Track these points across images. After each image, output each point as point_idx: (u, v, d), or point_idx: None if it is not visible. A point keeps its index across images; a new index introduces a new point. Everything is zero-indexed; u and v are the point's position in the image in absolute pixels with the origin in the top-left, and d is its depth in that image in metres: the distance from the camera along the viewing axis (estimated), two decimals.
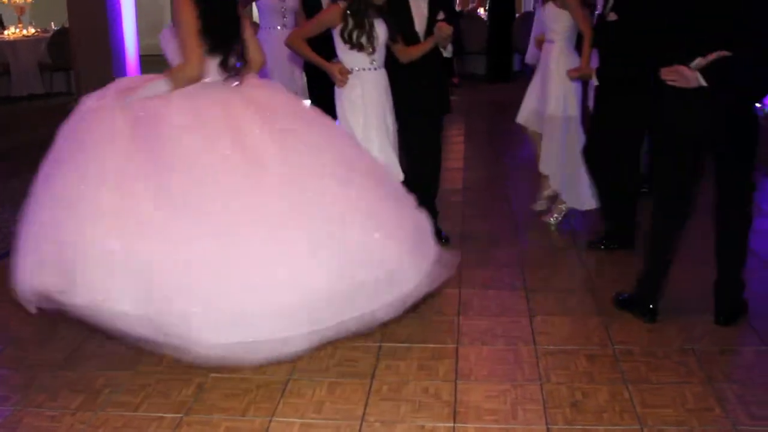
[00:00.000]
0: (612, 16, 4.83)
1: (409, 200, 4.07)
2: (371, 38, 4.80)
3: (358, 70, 4.86)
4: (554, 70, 5.64)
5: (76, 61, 9.45)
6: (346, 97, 4.89)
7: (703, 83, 3.81)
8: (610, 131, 5.15)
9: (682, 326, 4.23)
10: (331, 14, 4.86)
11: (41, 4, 13.48)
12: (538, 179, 6.15)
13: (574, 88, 5.66)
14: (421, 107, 5.24)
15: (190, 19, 3.69)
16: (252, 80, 4.03)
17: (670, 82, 3.94)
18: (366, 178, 3.88)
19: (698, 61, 3.82)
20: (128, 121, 3.66)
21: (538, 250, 5.40)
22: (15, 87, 12.10)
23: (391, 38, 4.94)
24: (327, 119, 4.13)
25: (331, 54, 4.93)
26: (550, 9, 5.63)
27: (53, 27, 12.36)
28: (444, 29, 5.04)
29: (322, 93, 6.11)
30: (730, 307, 4.27)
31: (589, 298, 4.63)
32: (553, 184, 5.86)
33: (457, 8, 13.44)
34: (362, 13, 4.76)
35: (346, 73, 4.84)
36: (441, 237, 5.33)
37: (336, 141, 3.99)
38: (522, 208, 6.07)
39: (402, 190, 4.13)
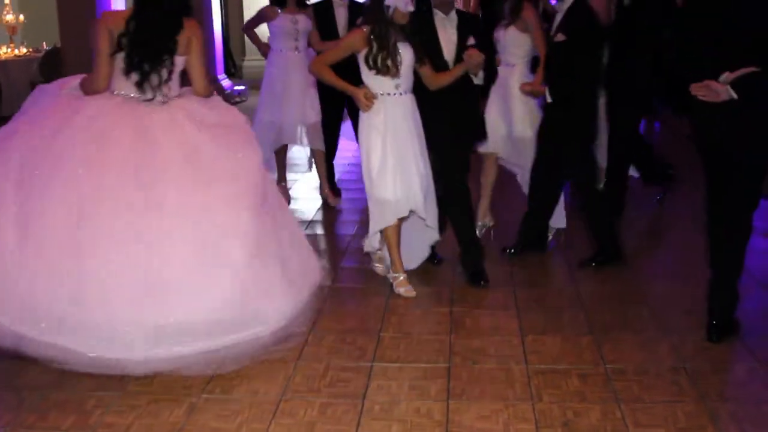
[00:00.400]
0: (559, 37, 4.88)
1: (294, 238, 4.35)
2: (395, 62, 4.75)
3: (383, 95, 4.80)
4: (517, 92, 5.69)
5: None
6: (368, 121, 4.86)
7: (734, 96, 3.90)
8: (555, 147, 5.32)
9: (673, 344, 4.23)
10: (354, 38, 4.84)
11: (33, 24, 13.48)
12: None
13: (536, 105, 5.72)
14: (451, 133, 5.07)
15: (99, 43, 4.14)
16: (182, 101, 4.18)
17: (700, 97, 4.01)
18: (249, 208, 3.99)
19: (726, 76, 3.91)
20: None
21: (530, 269, 5.40)
22: (6, 106, 12.03)
23: (418, 61, 4.85)
24: (237, 152, 4.13)
25: (356, 80, 4.89)
26: (513, 33, 5.71)
27: (45, 47, 12.36)
28: (474, 56, 4.82)
29: (333, 115, 6.08)
30: (722, 321, 4.28)
31: (580, 316, 4.63)
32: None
33: None
34: (386, 36, 4.72)
35: (371, 97, 4.79)
36: (435, 258, 5.37)
37: (240, 173, 4.06)
38: (514, 227, 6.05)
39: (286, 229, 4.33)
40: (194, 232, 3.83)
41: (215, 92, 4.40)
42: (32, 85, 12.07)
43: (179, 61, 4.14)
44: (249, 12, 17.10)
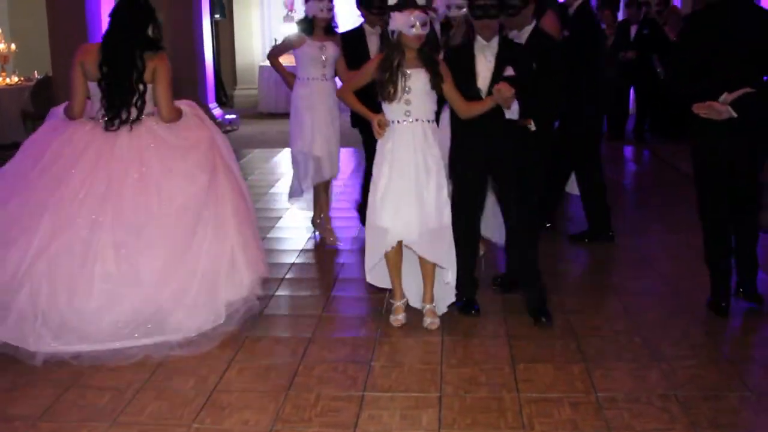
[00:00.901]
0: (509, 71, 4.73)
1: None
2: (397, 88, 4.66)
3: (393, 122, 4.75)
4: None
5: None
6: (380, 148, 4.83)
7: (734, 114, 4.52)
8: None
9: (664, 372, 4.23)
10: (371, 65, 4.83)
11: (25, 53, 13.51)
12: None
13: None
14: (475, 168, 4.93)
15: (72, 76, 4.76)
16: (148, 124, 4.76)
17: (703, 115, 4.63)
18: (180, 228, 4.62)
19: (725, 97, 4.54)
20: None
21: (520, 297, 5.40)
22: None
23: (433, 87, 4.70)
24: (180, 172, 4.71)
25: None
26: None
27: (36, 76, 12.38)
28: (502, 91, 4.55)
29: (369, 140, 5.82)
30: (752, 288, 5.04)
31: (572, 344, 4.63)
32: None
33: None
34: (393, 63, 4.67)
35: (384, 125, 4.74)
36: (473, 309, 5.09)
37: (182, 194, 4.66)
38: (504, 256, 6.07)
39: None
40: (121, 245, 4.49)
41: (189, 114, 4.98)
42: (23, 114, 12.13)
43: (146, 87, 4.72)
44: (240, 41, 17.21)
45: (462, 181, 4.96)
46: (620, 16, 13.08)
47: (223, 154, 5.00)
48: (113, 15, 4.79)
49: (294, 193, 6.84)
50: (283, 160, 10.87)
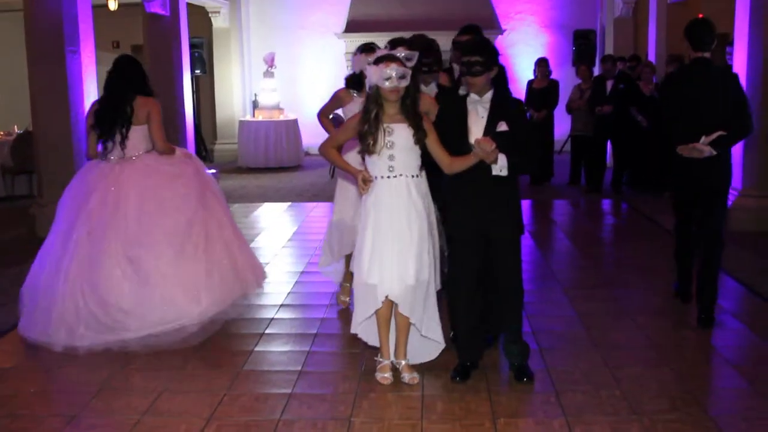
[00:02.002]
0: (502, 126, 4.71)
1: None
2: (376, 142, 4.68)
3: (376, 177, 4.74)
4: None
5: (40, 164, 9.45)
6: (363, 202, 4.84)
7: (714, 153, 5.64)
8: None
9: (645, 427, 4.23)
10: (355, 120, 4.84)
11: (4, 108, 13.54)
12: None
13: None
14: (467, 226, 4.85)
15: (87, 121, 6.02)
16: (148, 159, 5.90)
17: (686, 155, 5.73)
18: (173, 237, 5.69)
19: (704, 139, 5.64)
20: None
21: (500, 352, 5.40)
22: None
23: (417, 143, 4.69)
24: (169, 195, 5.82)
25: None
26: None
27: (16, 130, 12.39)
28: (482, 144, 4.50)
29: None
30: (710, 313, 5.84)
31: (552, 398, 4.62)
32: None
33: None
34: (371, 116, 4.69)
35: (369, 181, 4.72)
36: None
37: (177, 210, 5.79)
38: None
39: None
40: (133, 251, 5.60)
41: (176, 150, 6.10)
42: (2, 169, 12.12)
43: (138, 129, 5.83)
44: (220, 96, 17.32)
45: (457, 240, 4.91)
46: (596, 71, 13.33)
47: (207, 181, 6.19)
48: (114, 65, 5.96)
49: (326, 261, 6.42)
50: (262, 214, 10.88)
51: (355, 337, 5.06)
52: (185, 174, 5.96)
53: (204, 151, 16.51)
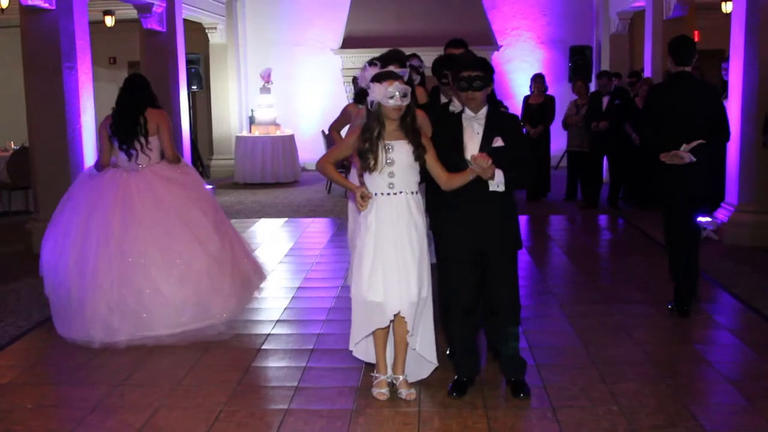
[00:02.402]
0: (497, 142, 4.70)
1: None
2: (377, 159, 4.66)
3: (376, 194, 4.73)
4: None
5: (36, 179, 9.45)
6: (362, 219, 4.81)
7: (694, 159, 6.11)
8: None
9: None
10: (354, 136, 4.84)
11: (1, 123, 13.55)
12: None
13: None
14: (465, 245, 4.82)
15: (100, 137, 6.55)
16: (155, 167, 6.40)
17: (668, 162, 6.18)
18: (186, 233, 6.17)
19: (684, 147, 6.11)
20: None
21: (497, 368, 5.38)
22: None
23: (416, 159, 4.69)
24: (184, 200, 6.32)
25: None
26: None
27: (13, 146, 12.39)
28: (479, 161, 4.51)
29: None
30: (690, 297, 6.47)
31: (549, 414, 4.61)
32: None
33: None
34: (374, 133, 4.68)
35: (367, 198, 4.69)
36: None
37: (193, 212, 6.29)
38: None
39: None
40: (161, 250, 6.06)
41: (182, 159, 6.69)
42: None
43: (151, 140, 6.35)
44: (216, 112, 17.33)
45: (453, 258, 4.85)
46: (592, 87, 13.36)
47: (204, 188, 6.72)
48: (126, 82, 6.53)
49: None
50: (259, 230, 10.88)
51: (351, 352, 5.05)
52: (197, 182, 6.61)
53: (201, 167, 16.51)
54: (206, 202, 6.46)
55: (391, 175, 4.70)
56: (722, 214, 9.54)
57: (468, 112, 4.79)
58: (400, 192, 4.73)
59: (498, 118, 4.82)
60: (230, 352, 5.78)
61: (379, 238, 4.71)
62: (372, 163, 4.68)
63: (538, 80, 13.07)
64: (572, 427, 4.43)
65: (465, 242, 4.80)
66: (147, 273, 5.95)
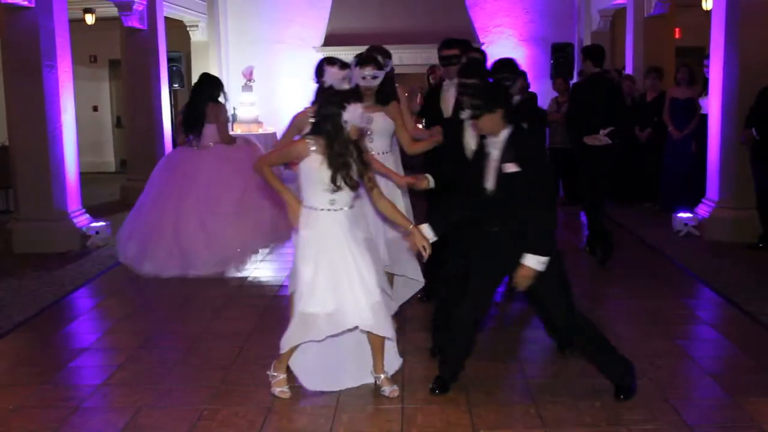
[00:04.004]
0: (511, 168, 4.51)
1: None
2: (352, 177, 4.64)
3: (316, 209, 4.70)
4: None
5: (17, 179, 9.38)
6: (300, 234, 4.77)
7: (610, 142, 7.86)
8: None
9: None
10: (298, 150, 4.70)
11: None
12: None
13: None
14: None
15: (177, 119, 9.03)
16: (222, 147, 8.49)
17: (589, 143, 7.90)
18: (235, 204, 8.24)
19: (602, 132, 7.83)
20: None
21: (480, 364, 5.40)
22: None
23: (360, 178, 4.67)
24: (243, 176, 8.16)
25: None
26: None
27: None
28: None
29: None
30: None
31: (531, 409, 4.63)
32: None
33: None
34: (345, 153, 4.60)
35: (299, 216, 4.72)
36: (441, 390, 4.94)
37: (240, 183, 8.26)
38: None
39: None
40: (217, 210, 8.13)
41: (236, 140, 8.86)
42: None
43: (210, 126, 8.39)
44: None
45: (480, 281, 4.79)
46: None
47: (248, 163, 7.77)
48: (198, 80, 8.71)
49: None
50: None
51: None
52: (241, 158, 8.26)
53: None
54: (241, 175, 8.12)
55: (334, 191, 4.66)
56: (703, 209, 9.60)
57: (489, 136, 4.63)
58: (341, 208, 4.72)
59: (517, 142, 4.56)
60: (212, 351, 5.76)
61: (325, 254, 4.68)
62: (350, 181, 4.63)
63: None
64: (555, 423, 4.44)
65: (493, 270, 4.79)
66: (191, 226, 8.01)
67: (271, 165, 4.89)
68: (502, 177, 4.53)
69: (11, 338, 6.19)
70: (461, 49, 6.26)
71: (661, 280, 7.63)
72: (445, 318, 5.24)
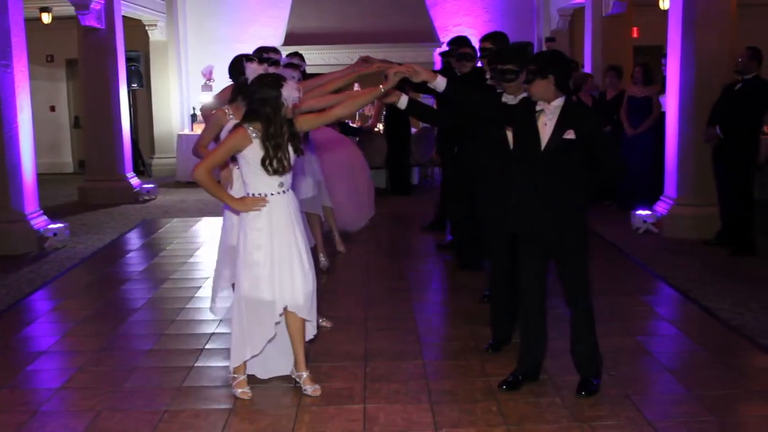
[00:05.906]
0: (569, 134, 4.61)
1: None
2: (289, 160, 4.64)
3: (267, 194, 4.67)
4: None
5: None
6: (250, 226, 4.70)
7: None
8: None
9: None
10: (239, 139, 4.59)
11: None
12: (442, 292, 6.17)
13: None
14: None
15: None
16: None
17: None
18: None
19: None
20: None
21: (442, 362, 5.41)
22: None
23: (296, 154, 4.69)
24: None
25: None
26: None
27: None
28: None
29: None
30: None
31: (493, 407, 4.64)
32: None
33: (354, 124, 13.65)
34: (280, 135, 4.58)
35: (261, 201, 4.65)
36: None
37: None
38: (425, 321, 6.06)
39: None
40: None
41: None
42: None
43: None
44: (157, 110, 17.11)
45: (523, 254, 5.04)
46: None
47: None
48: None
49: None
50: (201, 228, 10.79)
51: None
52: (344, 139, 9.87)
53: (142, 166, 16.31)
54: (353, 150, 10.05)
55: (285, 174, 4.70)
56: (661, 207, 9.70)
57: (540, 102, 4.69)
58: (288, 190, 4.76)
59: (571, 110, 4.69)
60: (173, 353, 5.72)
61: (275, 238, 4.70)
62: (286, 164, 4.64)
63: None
64: (516, 420, 4.46)
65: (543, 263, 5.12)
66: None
67: (213, 168, 4.76)
68: (561, 143, 4.60)
69: None
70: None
71: (620, 277, 7.69)
72: (495, 315, 5.66)
